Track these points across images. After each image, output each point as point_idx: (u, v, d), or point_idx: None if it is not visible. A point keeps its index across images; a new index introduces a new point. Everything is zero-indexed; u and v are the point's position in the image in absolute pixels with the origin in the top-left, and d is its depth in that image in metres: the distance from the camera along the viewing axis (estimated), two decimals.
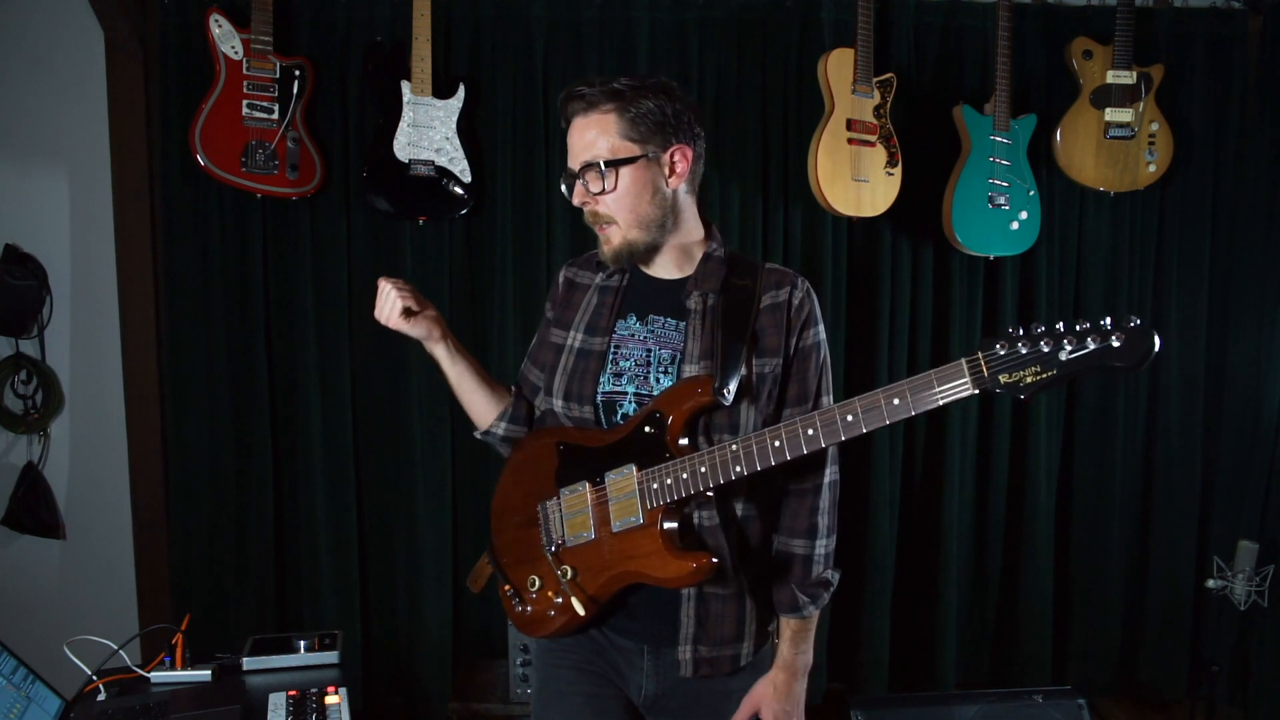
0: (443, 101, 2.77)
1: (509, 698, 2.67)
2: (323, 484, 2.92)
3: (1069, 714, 2.60)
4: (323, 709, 1.69)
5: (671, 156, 1.49)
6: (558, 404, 1.56)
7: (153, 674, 1.82)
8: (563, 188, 1.54)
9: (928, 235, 3.04)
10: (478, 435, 1.72)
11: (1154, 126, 2.96)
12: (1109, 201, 3.09)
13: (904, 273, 3.07)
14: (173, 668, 1.84)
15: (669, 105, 1.49)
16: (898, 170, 2.89)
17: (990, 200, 2.91)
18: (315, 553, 2.92)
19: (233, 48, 2.67)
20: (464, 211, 2.83)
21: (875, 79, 2.86)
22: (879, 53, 2.88)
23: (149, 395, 2.93)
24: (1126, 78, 2.93)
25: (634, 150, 1.47)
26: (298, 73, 2.74)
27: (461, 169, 2.80)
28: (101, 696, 1.74)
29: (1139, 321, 1.11)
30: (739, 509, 1.52)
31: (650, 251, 1.53)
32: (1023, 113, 2.96)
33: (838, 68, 2.83)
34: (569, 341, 1.58)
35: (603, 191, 1.47)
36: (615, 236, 1.51)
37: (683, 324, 1.52)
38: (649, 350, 1.52)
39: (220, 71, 2.67)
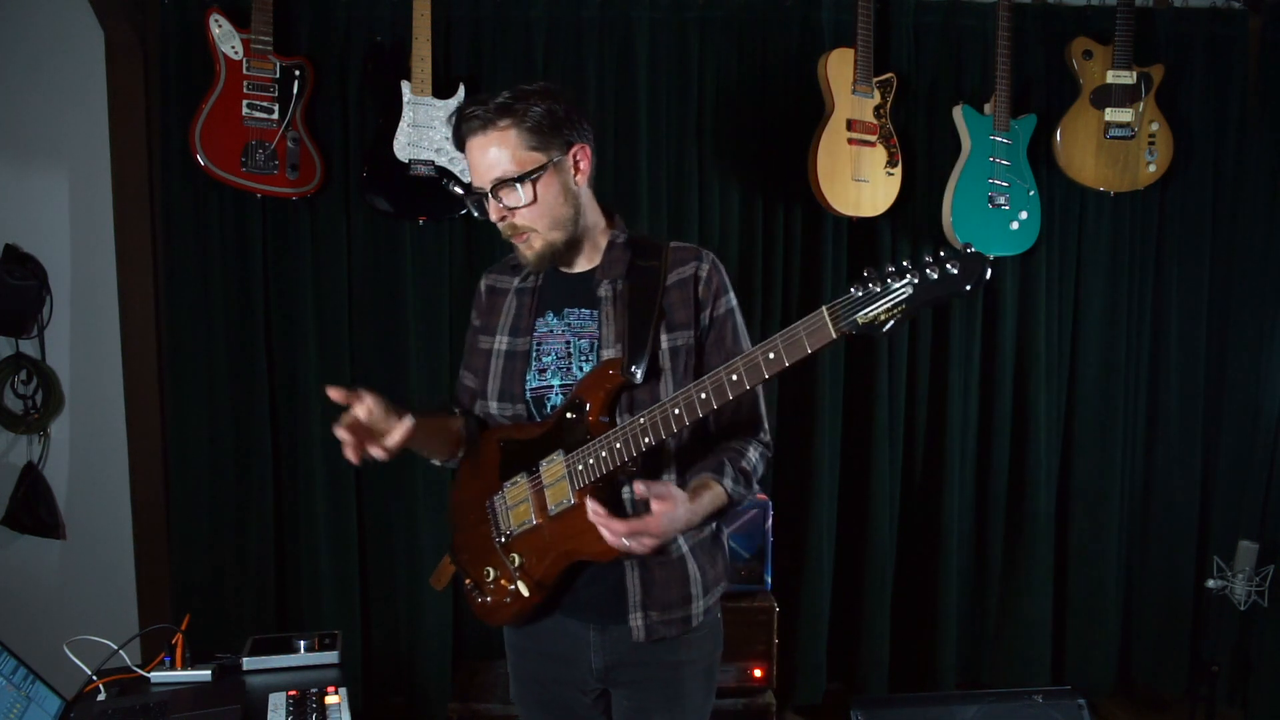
0: (443, 101, 2.77)
1: (509, 698, 2.67)
2: (323, 484, 2.92)
3: (1069, 714, 2.60)
4: (323, 709, 1.69)
5: (574, 156, 1.54)
6: (493, 406, 1.63)
7: (153, 674, 1.82)
8: (473, 211, 1.56)
9: (928, 235, 3.04)
10: (438, 464, 1.71)
11: (1154, 126, 2.96)
12: (1109, 201, 3.09)
13: None
14: (173, 668, 1.83)
15: (558, 107, 1.51)
16: (898, 170, 2.89)
17: (990, 200, 2.91)
18: (315, 553, 2.92)
19: (233, 48, 2.67)
20: (464, 211, 2.83)
21: (875, 79, 2.86)
22: (879, 53, 2.88)
23: (149, 395, 2.93)
24: (1126, 78, 2.93)
25: (540, 159, 1.49)
26: (298, 73, 2.74)
27: (461, 169, 2.80)
28: (101, 696, 1.74)
29: (973, 249, 1.19)
30: (669, 480, 1.57)
31: (571, 248, 1.58)
32: (1023, 113, 2.96)
33: (838, 68, 2.83)
34: (495, 345, 1.65)
35: (519, 205, 1.50)
36: (536, 241, 1.54)
37: (596, 312, 1.58)
38: (568, 342, 1.58)
39: (220, 71, 2.67)
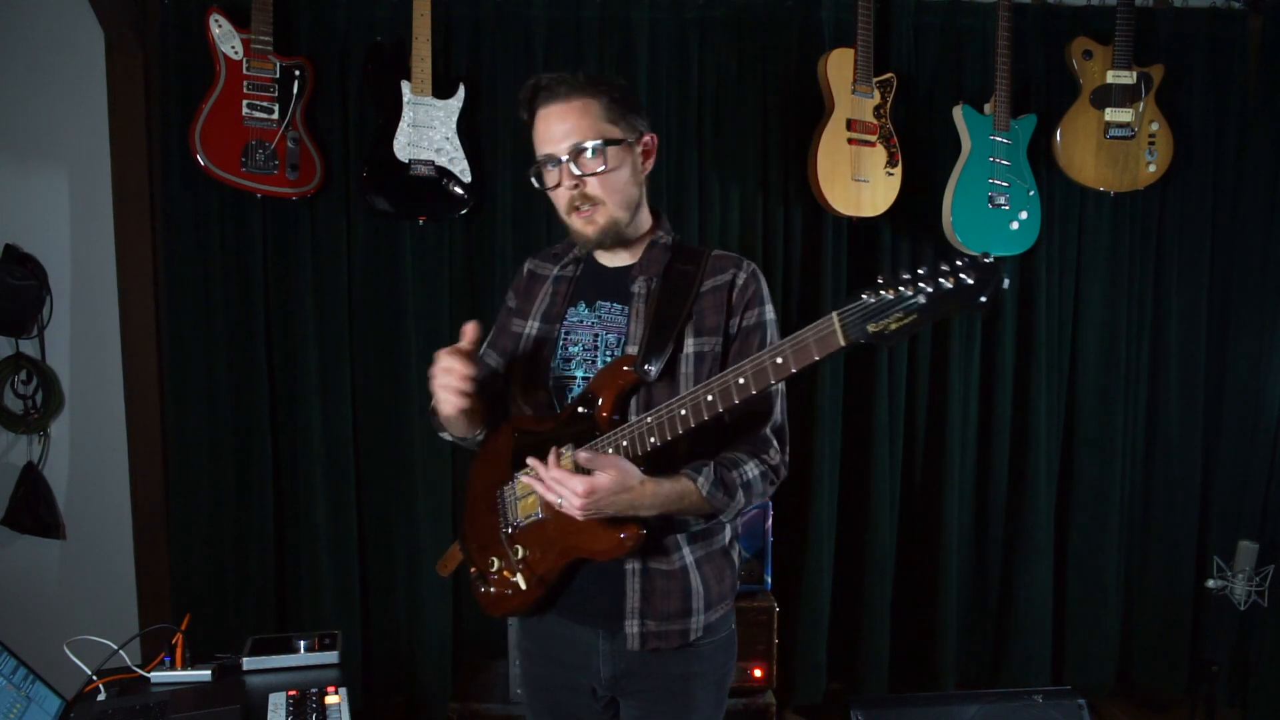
0: (443, 101, 2.77)
1: (509, 698, 2.67)
2: (323, 484, 2.92)
3: (1069, 714, 2.60)
4: (323, 709, 1.69)
5: (644, 143, 1.58)
6: (516, 389, 1.64)
7: (153, 674, 1.82)
8: (533, 180, 1.57)
9: (928, 235, 3.04)
10: (450, 439, 1.70)
11: (1154, 126, 2.96)
12: (1109, 201, 3.09)
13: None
14: (173, 668, 1.83)
15: (632, 97, 1.57)
16: (898, 170, 2.89)
17: (990, 200, 2.91)
18: (315, 553, 2.92)
19: (233, 48, 2.67)
20: (464, 211, 2.83)
21: (875, 79, 2.86)
22: (879, 53, 2.88)
23: (149, 395, 2.93)
24: (1126, 78, 2.93)
25: (617, 133, 1.53)
26: (298, 73, 2.74)
27: (461, 169, 2.80)
28: (101, 696, 1.74)
29: (990, 258, 1.14)
30: None
31: (626, 233, 1.58)
32: (1023, 113, 2.96)
33: (838, 68, 2.83)
34: (526, 330, 1.66)
35: (595, 173, 1.51)
36: (601, 216, 1.54)
37: (627, 308, 1.58)
38: (596, 335, 1.59)
39: (220, 71, 2.67)
